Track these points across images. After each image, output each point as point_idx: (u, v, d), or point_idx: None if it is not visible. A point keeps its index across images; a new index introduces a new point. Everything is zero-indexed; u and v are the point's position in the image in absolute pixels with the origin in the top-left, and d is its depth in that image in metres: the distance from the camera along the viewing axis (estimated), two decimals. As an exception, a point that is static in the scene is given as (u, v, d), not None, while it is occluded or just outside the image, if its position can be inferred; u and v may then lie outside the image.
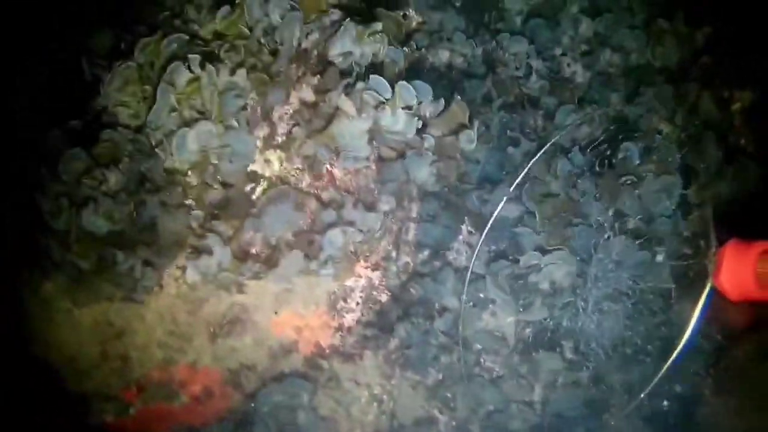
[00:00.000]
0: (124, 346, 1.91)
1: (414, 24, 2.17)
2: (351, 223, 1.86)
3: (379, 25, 1.90)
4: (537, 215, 1.94)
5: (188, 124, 1.80)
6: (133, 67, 1.86)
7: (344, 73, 1.90)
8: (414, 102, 1.86)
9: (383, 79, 1.85)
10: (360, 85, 1.85)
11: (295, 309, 1.91)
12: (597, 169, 1.94)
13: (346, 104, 1.83)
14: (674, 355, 1.53)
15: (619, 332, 1.77)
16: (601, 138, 1.95)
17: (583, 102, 2.15)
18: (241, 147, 1.83)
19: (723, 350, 1.70)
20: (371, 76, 1.86)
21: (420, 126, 1.91)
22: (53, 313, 1.87)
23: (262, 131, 1.89)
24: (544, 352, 1.94)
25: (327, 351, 1.97)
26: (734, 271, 1.42)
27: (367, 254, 1.93)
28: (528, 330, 1.97)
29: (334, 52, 1.91)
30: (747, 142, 2.04)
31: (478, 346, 2.02)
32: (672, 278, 1.64)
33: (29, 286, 1.86)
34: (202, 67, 1.81)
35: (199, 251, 1.83)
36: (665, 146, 1.86)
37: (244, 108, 1.84)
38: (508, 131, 2.09)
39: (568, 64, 2.20)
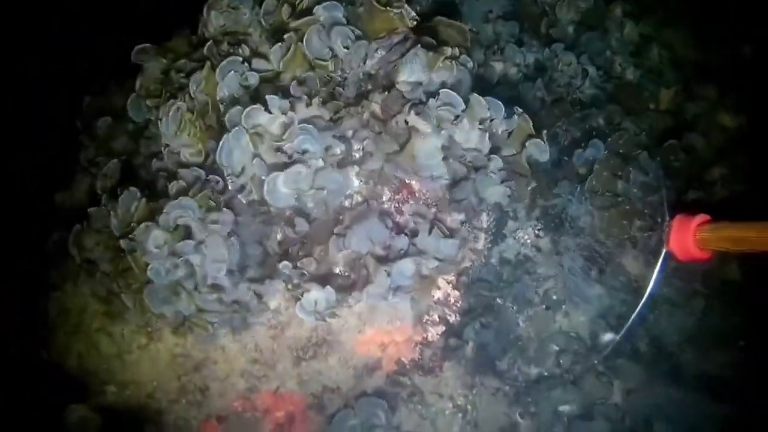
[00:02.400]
0: (202, 378, 1.81)
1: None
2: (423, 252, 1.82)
3: (448, 50, 1.85)
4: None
5: (275, 167, 1.73)
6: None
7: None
8: (487, 115, 1.83)
9: (455, 93, 1.81)
10: (431, 102, 1.80)
11: (380, 326, 1.85)
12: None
13: (419, 123, 1.79)
14: (641, 302, 1.90)
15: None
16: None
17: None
18: (334, 186, 1.77)
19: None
20: (441, 90, 1.81)
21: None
22: (129, 349, 1.76)
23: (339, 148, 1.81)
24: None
25: (408, 366, 1.93)
26: (680, 238, 1.79)
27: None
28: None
29: (403, 78, 1.85)
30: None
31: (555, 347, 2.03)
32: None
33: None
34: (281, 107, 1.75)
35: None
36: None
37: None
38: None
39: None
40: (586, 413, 1.99)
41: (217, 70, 1.83)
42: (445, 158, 1.81)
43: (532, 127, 1.95)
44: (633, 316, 1.92)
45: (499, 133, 1.91)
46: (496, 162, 1.90)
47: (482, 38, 2.23)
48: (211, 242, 1.75)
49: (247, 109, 1.77)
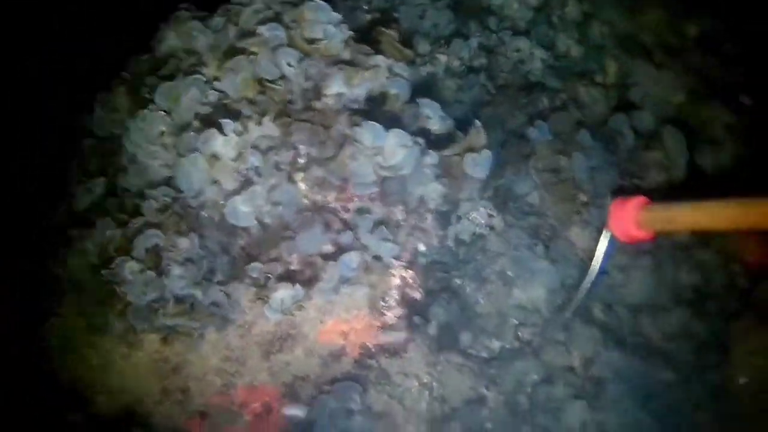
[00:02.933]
0: (182, 379, 1.99)
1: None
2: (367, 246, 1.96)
3: (376, 59, 1.97)
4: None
5: (233, 188, 1.91)
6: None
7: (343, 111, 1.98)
8: (409, 142, 1.94)
9: (379, 126, 1.93)
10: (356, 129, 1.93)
11: (339, 316, 1.99)
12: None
13: (352, 132, 1.93)
14: (589, 279, 2.02)
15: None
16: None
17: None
18: (289, 199, 1.91)
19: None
20: (364, 123, 1.94)
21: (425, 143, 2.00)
22: (113, 360, 1.95)
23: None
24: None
25: (373, 350, 2.07)
26: (619, 220, 1.89)
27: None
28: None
29: (328, 92, 1.99)
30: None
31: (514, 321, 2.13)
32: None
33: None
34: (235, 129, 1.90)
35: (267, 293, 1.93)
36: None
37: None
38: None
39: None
40: (548, 381, 2.09)
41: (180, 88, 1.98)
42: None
43: (484, 140, 2.06)
44: (579, 293, 2.03)
45: (436, 130, 2.03)
46: (432, 158, 2.01)
47: (428, 31, 2.34)
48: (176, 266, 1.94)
49: (203, 134, 1.92)
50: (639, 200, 1.87)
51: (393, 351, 2.08)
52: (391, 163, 1.94)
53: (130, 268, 1.92)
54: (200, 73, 2.00)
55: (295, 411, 1.97)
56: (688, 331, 2.02)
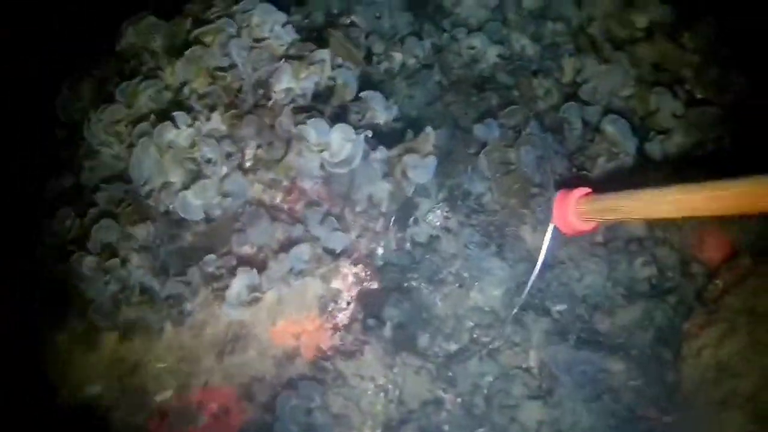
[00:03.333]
0: (139, 378, 2.04)
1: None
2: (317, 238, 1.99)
3: (322, 53, 2.01)
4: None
5: (184, 179, 1.97)
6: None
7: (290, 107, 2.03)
8: (353, 136, 1.97)
9: (323, 122, 1.97)
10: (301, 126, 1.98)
11: (290, 317, 2.02)
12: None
13: (299, 130, 1.97)
14: (534, 273, 2.00)
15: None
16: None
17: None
18: (238, 190, 1.97)
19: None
20: (310, 121, 1.98)
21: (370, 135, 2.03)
22: (73, 358, 2.02)
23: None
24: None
25: (329, 352, 2.08)
26: (562, 212, 1.85)
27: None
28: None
29: (277, 88, 2.04)
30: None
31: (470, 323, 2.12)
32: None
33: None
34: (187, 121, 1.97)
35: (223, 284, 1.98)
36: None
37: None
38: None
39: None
40: (504, 381, 2.05)
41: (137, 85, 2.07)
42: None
43: (430, 146, 2.09)
44: (527, 289, 2.02)
45: (381, 123, 2.05)
46: (381, 153, 2.03)
47: (385, 32, 2.37)
48: (135, 255, 2.01)
49: (158, 127, 1.99)
50: (579, 191, 1.85)
51: (349, 353, 2.09)
52: (338, 159, 1.96)
53: (87, 264, 1.98)
54: (158, 70, 2.07)
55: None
56: (642, 326, 1.97)
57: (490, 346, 2.09)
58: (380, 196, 2.03)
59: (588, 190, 1.85)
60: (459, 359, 2.09)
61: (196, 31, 2.04)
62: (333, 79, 2.04)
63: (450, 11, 2.38)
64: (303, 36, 2.13)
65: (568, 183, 1.97)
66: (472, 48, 2.28)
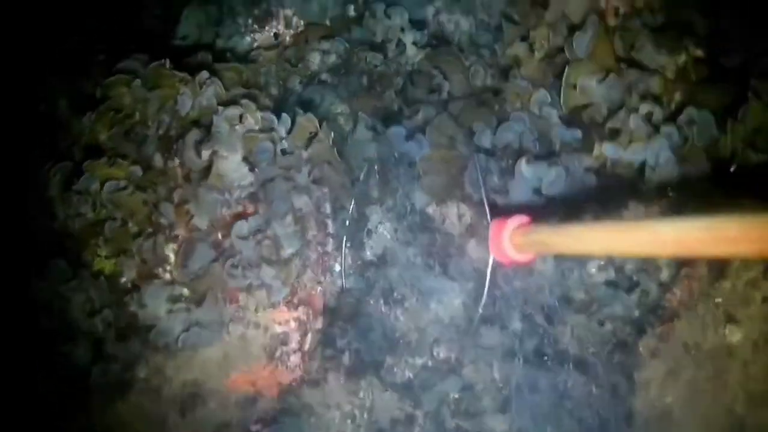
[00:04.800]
0: (108, 441, 2.09)
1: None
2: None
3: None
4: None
5: None
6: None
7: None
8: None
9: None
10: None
11: (239, 369, 1.97)
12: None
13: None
14: (482, 302, 1.89)
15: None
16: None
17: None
18: None
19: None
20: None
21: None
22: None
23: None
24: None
25: (292, 385, 2.05)
26: (497, 243, 1.66)
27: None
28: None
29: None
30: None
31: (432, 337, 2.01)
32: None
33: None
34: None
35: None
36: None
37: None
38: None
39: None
40: (471, 395, 1.98)
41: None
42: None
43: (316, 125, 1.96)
44: (477, 315, 1.92)
45: (283, 134, 1.94)
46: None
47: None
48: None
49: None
50: (514, 221, 1.65)
51: (312, 383, 2.05)
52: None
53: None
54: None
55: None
56: (602, 339, 1.81)
57: (453, 361, 1.99)
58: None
59: (525, 219, 1.63)
60: (425, 374, 2.01)
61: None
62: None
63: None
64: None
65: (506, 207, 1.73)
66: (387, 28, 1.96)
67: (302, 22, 2.29)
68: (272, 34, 2.26)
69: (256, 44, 2.26)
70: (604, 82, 1.86)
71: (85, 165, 1.92)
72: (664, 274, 1.75)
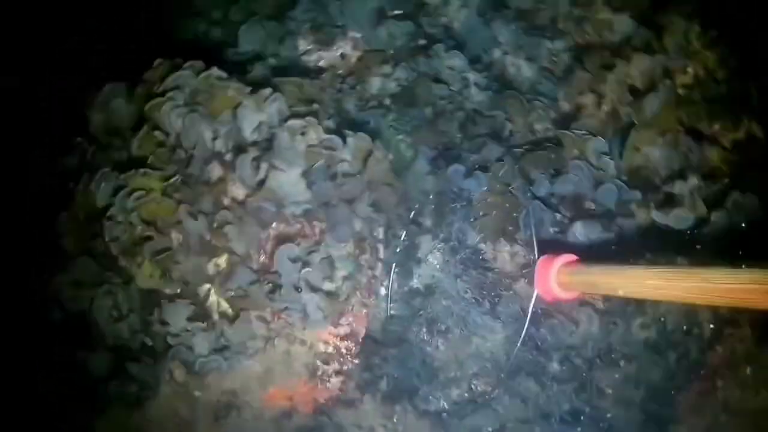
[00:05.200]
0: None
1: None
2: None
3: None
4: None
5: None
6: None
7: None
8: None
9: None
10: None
11: (279, 384, 1.98)
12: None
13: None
14: (521, 338, 1.92)
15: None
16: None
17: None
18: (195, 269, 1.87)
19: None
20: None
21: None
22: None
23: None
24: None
25: (326, 403, 2.06)
26: (543, 280, 1.69)
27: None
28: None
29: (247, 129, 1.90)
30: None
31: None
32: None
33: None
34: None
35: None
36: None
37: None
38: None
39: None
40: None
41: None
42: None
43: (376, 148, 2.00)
44: (515, 350, 1.95)
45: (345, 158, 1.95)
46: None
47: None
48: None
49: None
50: (562, 259, 1.68)
51: (348, 403, 2.07)
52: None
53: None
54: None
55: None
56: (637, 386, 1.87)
57: (489, 396, 2.03)
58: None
59: (573, 257, 1.67)
60: (460, 406, 2.05)
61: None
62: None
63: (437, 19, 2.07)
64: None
65: (553, 245, 1.78)
66: (454, 69, 2.00)
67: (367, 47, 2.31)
68: (339, 54, 2.27)
69: (321, 62, 2.27)
70: (665, 147, 1.91)
71: (125, 177, 1.92)
72: (707, 332, 1.80)
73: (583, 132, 2.05)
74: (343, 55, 2.29)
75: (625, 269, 1.51)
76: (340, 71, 2.31)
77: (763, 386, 1.69)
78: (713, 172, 1.92)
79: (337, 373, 2.02)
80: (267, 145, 1.96)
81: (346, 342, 2.02)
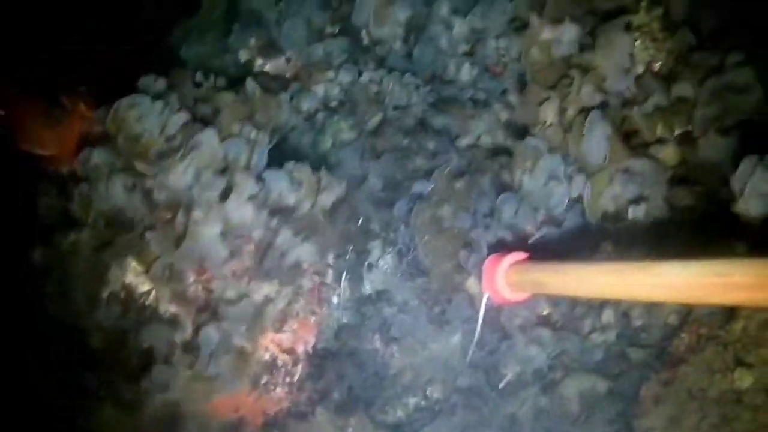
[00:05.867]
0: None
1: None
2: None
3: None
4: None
5: None
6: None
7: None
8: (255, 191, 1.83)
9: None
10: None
11: (222, 395, 1.90)
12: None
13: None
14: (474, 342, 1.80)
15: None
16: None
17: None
18: None
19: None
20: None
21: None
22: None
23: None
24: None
25: (278, 415, 1.97)
26: (490, 280, 1.60)
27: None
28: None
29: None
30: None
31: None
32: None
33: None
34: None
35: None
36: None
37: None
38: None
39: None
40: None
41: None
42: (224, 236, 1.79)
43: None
44: (469, 356, 1.85)
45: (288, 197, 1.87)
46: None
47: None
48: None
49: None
50: (511, 257, 1.59)
51: (300, 415, 1.98)
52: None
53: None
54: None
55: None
56: (598, 395, 1.75)
57: (445, 403, 1.93)
58: (305, 259, 1.89)
59: (522, 255, 1.57)
60: (417, 414, 1.95)
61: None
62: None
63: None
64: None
65: (504, 243, 1.69)
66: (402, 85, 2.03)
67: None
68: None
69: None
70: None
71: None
72: (672, 318, 1.68)
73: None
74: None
75: (576, 267, 1.43)
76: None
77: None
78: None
79: (283, 383, 1.93)
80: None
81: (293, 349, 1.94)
